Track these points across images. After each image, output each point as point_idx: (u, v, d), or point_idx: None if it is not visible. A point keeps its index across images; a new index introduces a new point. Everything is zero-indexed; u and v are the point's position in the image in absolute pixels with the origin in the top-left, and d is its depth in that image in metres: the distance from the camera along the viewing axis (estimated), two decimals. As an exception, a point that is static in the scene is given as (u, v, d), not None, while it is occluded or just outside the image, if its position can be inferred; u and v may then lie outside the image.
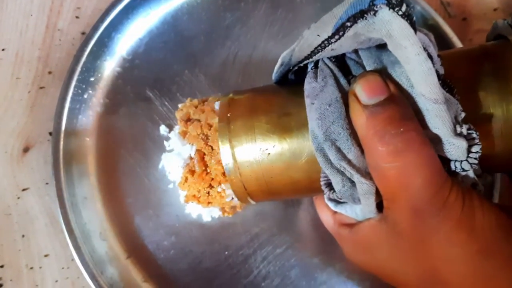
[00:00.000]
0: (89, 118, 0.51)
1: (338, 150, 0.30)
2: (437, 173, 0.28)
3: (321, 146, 0.31)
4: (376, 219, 0.33)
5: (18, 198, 0.51)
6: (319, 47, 0.31)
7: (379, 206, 0.32)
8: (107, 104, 0.52)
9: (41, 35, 0.53)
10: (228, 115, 0.37)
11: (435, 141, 0.29)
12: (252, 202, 0.40)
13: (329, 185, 0.33)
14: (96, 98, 0.52)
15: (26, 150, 0.51)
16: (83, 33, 0.53)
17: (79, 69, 0.50)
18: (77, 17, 0.54)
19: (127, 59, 0.53)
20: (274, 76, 0.39)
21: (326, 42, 0.30)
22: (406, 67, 0.28)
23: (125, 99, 0.52)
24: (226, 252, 0.49)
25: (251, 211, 0.49)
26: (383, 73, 0.30)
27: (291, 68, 0.36)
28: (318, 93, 0.32)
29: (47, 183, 0.51)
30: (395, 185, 0.29)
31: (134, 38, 0.53)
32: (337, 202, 0.38)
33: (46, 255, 0.50)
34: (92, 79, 0.52)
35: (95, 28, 0.51)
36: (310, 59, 0.33)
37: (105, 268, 0.48)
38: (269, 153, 0.35)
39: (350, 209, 0.36)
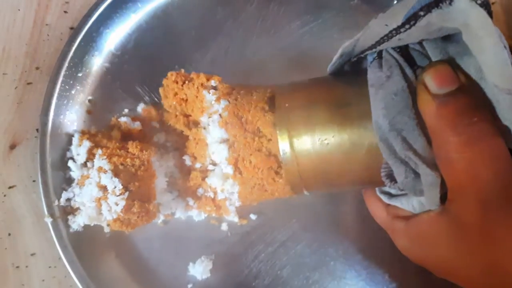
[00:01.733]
0: (77, 114, 0.50)
1: (404, 140, 0.30)
2: (508, 165, 0.28)
3: (385, 136, 0.31)
4: (437, 212, 0.32)
5: (5, 196, 0.50)
6: (385, 37, 0.31)
7: (441, 198, 0.32)
8: (96, 100, 0.51)
9: (29, 30, 0.52)
10: (286, 105, 0.37)
11: (505, 133, 0.29)
12: (306, 193, 0.40)
13: (390, 176, 0.33)
14: (84, 94, 0.51)
15: (12, 147, 0.51)
16: (71, 28, 0.52)
17: (66, 64, 0.49)
18: (65, 11, 0.53)
19: (116, 55, 0.52)
20: (330, 67, 0.39)
21: (394, 31, 0.30)
22: (479, 57, 0.28)
23: (114, 95, 0.51)
24: (216, 252, 0.49)
25: (241, 209, 0.48)
26: (451, 63, 0.30)
27: (350, 59, 0.36)
28: (383, 83, 0.31)
29: (34, 181, 0.50)
30: (464, 177, 0.29)
31: (123, 33, 0.52)
32: (391, 195, 0.38)
33: (32, 254, 0.49)
34: (80, 74, 0.50)
35: (83, 22, 0.50)
36: (374, 49, 0.33)
37: (93, 267, 0.47)
38: (328, 143, 0.35)
39: (406, 202, 0.36)
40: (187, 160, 0.47)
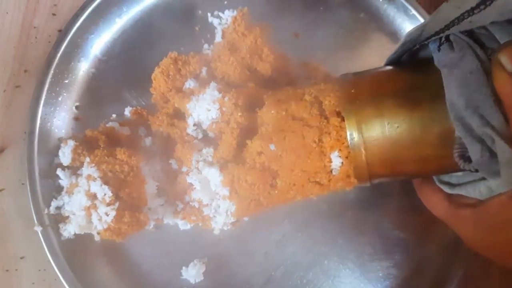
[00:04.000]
0: (64, 121, 0.50)
1: (482, 117, 0.31)
2: None
3: (461, 115, 0.32)
4: (509, 194, 0.31)
5: (-7, 199, 0.50)
6: (456, 20, 0.31)
7: None
8: (83, 106, 0.51)
9: (17, 33, 0.52)
10: (352, 91, 0.37)
11: None
12: (367, 183, 0.39)
13: (464, 157, 0.33)
14: (71, 101, 0.51)
15: (1, 150, 0.50)
16: (59, 31, 0.52)
17: (52, 71, 0.49)
18: (53, 14, 0.53)
19: (102, 60, 0.52)
20: (391, 56, 0.39)
21: (466, 14, 0.30)
22: None
23: (101, 101, 0.51)
24: (209, 254, 0.48)
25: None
26: None
27: (414, 46, 0.37)
28: (457, 63, 0.32)
29: (23, 184, 0.49)
30: None
31: (109, 38, 0.52)
32: (452, 185, 0.38)
33: (22, 257, 0.49)
34: (66, 81, 0.50)
35: (67, 29, 0.50)
36: (441, 34, 0.33)
37: (84, 275, 0.47)
38: (397, 127, 0.35)
39: (472, 189, 0.36)
40: (174, 164, 0.47)
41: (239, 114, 0.43)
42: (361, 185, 0.40)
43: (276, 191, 0.41)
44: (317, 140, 0.38)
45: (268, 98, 0.42)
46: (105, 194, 0.42)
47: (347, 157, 0.38)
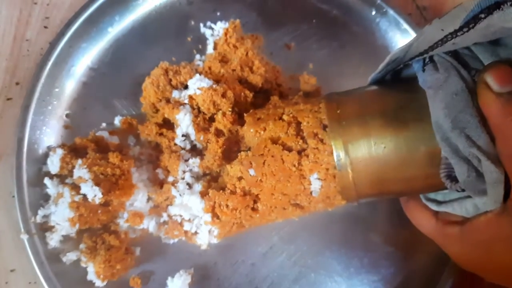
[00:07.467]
0: (54, 129, 0.50)
1: (468, 137, 0.31)
2: None
3: (447, 136, 0.32)
4: (496, 212, 0.32)
5: (-16, 212, 0.50)
6: (440, 42, 0.32)
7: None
8: (73, 114, 0.51)
9: (9, 45, 0.53)
10: (338, 111, 0.37)
11: None
12: (355, 203, 0.40)
13: (450, 177, 0.34)
14: (61, 109, 0.51)
15: (-8, 162, 0.51)
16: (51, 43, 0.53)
17: (42, 80, 0.50)
18: (45, 27, 0.53)
19: (93, 69, 0.52)
20: (375, 75, 0.39)
21: (450, 36, 0.31)
22: None
23: (91, 110, 0.51)
24: (195, 265, 0.48)
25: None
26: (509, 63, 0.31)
27: (398, 66, 0.37)
28: (442, 84, 0.32)
29: (13, 196, 0.49)
30: None
31: (101, 47, 0.52)
32: (439, 202, 0.38)
33: (12, 270, 0.49)
34: (56, 89, 0.51)
35: (59, 37, 0.50)
36: (425, 55, 0.34)
37: (71, 284, 0.47)
38: (384, 147, 0.35)
39: (458, 206, 0.36)
40: (160, 174, 0.47)
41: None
42: (348, 204, 0.40)
43: (257, 214, 0.41)
44: (296, 164, 0.38)
45: (248, 116, 0.42)
46: (95, 196, 0.43)
47: (325, 179, 0.38)
